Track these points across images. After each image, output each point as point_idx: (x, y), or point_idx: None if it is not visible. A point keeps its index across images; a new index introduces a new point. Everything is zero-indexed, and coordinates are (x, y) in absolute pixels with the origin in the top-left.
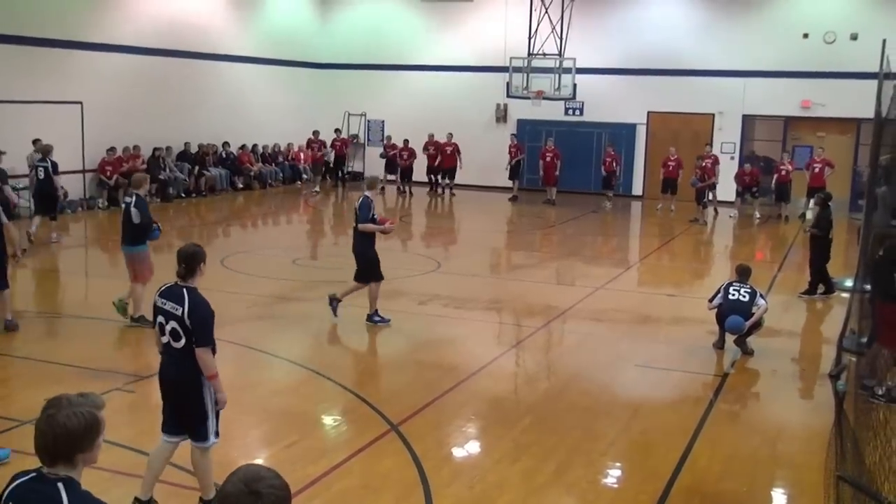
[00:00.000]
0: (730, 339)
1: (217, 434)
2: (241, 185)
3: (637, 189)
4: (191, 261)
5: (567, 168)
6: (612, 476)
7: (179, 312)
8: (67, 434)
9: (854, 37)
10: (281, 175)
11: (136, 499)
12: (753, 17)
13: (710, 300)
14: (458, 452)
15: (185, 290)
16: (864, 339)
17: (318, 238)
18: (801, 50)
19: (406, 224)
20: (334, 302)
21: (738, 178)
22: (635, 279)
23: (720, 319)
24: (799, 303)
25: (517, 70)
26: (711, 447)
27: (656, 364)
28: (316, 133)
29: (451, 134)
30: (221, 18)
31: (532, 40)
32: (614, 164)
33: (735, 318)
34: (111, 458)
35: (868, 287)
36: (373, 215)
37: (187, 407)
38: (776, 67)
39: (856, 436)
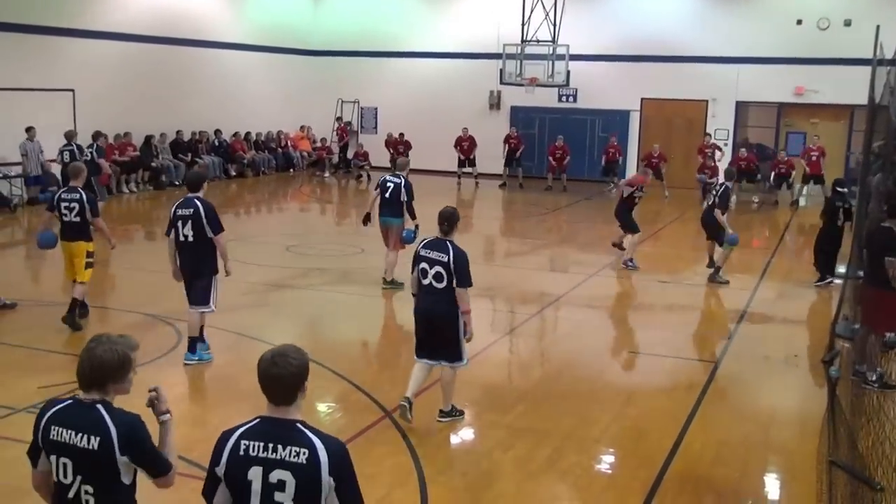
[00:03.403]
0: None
1: (468, 358)
2: (234, 173)
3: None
4: (452, 220)
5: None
6: (606, 462)
7: (446, 259)
8: (102, 365)
9: (848, 23)
10: (274, 162)
11: (406, 397)
12: (747, 3)
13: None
14: (452, 439)
15: (448, 242)
16: (857, 326)
17: (312, 225)
18: (794, 36)
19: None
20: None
21: (735, 164)
22: None
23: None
24: (792, 289)
25: (510, 57)
26: (704, 433)
27: (649, 350)
28: (339, 119)
29: (465, 128)
30: (213, 5)
31: (525, 27)
32: (617, 155)
33: (733, 237)
34: None
35: (861, 273)
36: None
37: (445, 334)
38: (770, 54)
39: (849, 421)
